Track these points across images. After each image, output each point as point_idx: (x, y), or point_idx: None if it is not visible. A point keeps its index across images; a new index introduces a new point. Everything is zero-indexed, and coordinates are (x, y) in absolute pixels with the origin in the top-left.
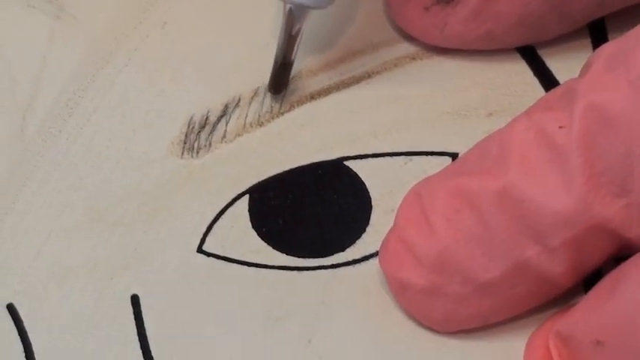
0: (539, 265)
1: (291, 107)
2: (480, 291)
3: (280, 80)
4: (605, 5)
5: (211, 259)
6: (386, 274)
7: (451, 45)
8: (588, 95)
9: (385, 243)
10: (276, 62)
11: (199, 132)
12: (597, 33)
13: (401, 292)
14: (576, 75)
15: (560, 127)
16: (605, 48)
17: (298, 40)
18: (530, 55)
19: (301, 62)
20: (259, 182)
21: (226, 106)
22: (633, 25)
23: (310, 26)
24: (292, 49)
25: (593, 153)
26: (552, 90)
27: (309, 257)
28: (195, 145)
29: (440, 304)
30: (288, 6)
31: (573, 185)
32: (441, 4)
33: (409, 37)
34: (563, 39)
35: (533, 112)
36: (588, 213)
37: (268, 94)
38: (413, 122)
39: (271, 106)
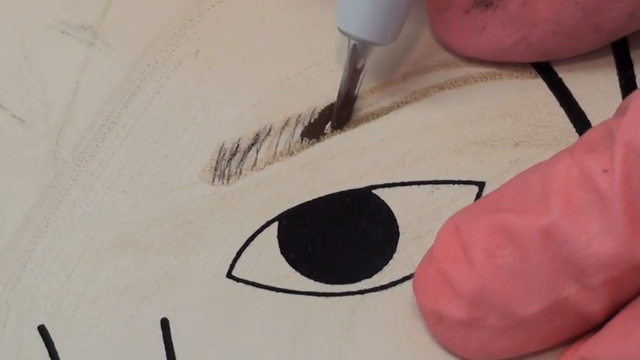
0: (578, 303)
1: (321, 138)
2: (518, 325)
3: (344, 114)
4: (636, 16)
5: (240, 284)
6: (422, 305)
7: (487, 52)
8: (627, 136)
9: (421, 274)
10: (339, 96)
11: (230, 159)
12: (625, 66)
13: (437, 323)
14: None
15: (605, 171)
16: None
17: (362, 74)
18: (558, 86)
19: (330, 95)
20: (288, 210)
21: (257, 135)
22: None
23: None
24: (356, 84)
25: (633, 197)
26: (593, 129)
27: (336, 283)
28: (226, 172)
29: (476, 336)
30: (352, 42)
31: (615, 229)
32: (480, 8)
33: (445, 49)
34: (590, 70)
35: (575, 152)
36: (629, 255)
37: (299, 125)
38: (440, 151)
39: (301, 137)
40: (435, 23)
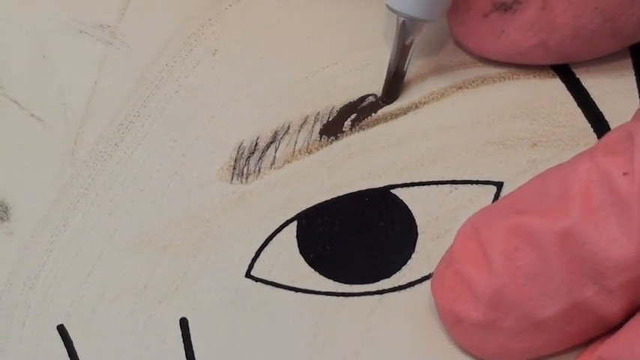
0: (596, 305)
1: (340, 137)
2: (535, 327)
3: (392, 90)
4: None
5: (259, 284)
6: (440, 306)
7: (505, 55)
8: None
9: (440, 275)
10: (389, 72)
11: (249, 158)
12: None
13: (455, 324)
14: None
15: (625, 174)
16: None
17: (411, 51)
18: (575, 87)
19: (349, 93)
20: (307, 209)
21: (276, 133)
22: None
23: None
24: (405, 60)
25: None
26: (612, 131)
27: (355, 283)
28: (245, 170)
29: (493, 338)
30: (401, 19)
31: (634, 231)
32: (500, 12)
33: (463, 51)
34: (606, 72)
35: (595, 154)
36: None
37: (317, 123)
38: (459, 151)
39: (320, 135)
40: (453, 25)
